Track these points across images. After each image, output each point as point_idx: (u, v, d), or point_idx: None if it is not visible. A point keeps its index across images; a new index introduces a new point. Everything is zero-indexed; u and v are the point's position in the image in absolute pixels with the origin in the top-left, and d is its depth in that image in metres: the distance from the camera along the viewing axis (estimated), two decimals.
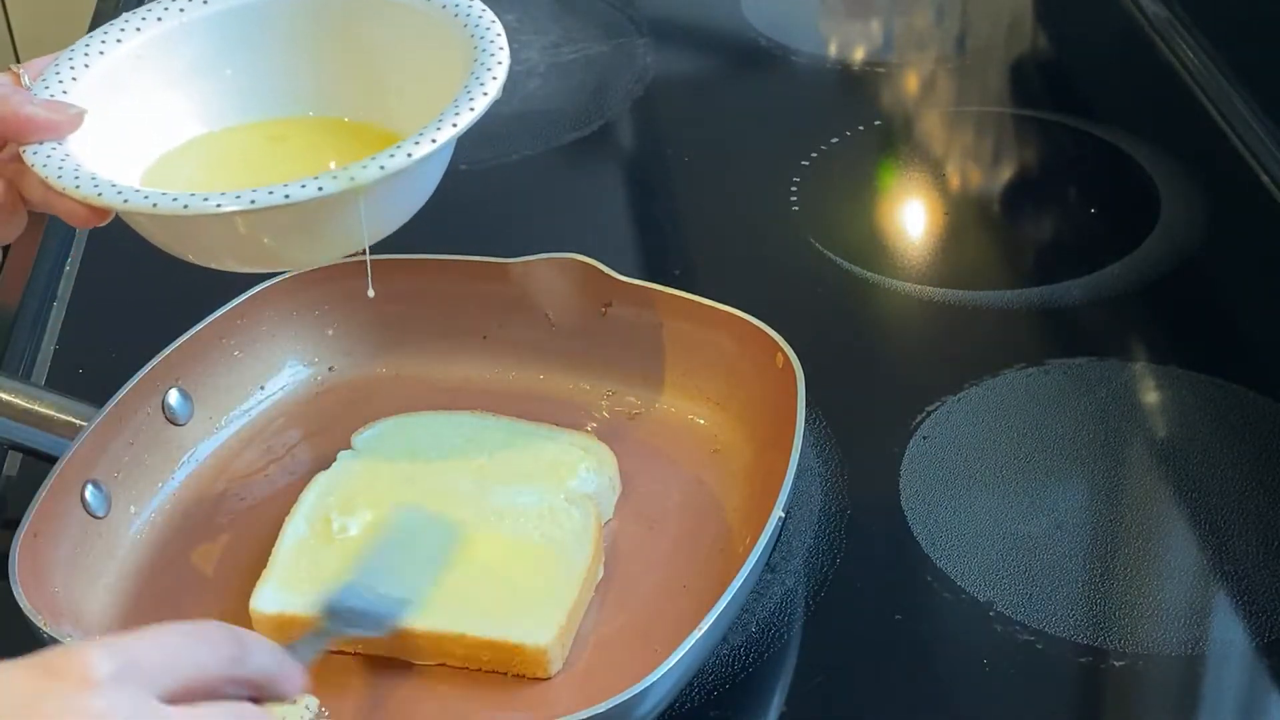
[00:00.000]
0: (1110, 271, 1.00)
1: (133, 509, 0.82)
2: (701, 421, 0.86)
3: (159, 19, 0.76)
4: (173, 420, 0.85)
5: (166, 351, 0.85)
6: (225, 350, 0.88)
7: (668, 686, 0.68)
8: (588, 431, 0.85)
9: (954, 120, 1.21)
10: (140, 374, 0.83)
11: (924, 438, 0.87)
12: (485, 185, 1.11)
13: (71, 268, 1.04)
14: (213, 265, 0.72)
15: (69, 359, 0.96)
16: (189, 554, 0.81)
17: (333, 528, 0.78)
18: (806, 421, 0.79)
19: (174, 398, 0.85)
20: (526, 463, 0.81)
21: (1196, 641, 0.76)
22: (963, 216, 1.09)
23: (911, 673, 0.76)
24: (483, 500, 0.79)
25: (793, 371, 0.81)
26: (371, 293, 0.73)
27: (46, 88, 0.72)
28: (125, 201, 0.67)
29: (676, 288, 0.87)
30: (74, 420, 0.81)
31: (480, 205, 1.09)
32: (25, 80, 0.73)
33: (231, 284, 0.89)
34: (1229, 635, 0.77)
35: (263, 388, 0.89)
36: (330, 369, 0.91)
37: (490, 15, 0.74)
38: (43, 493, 0.76)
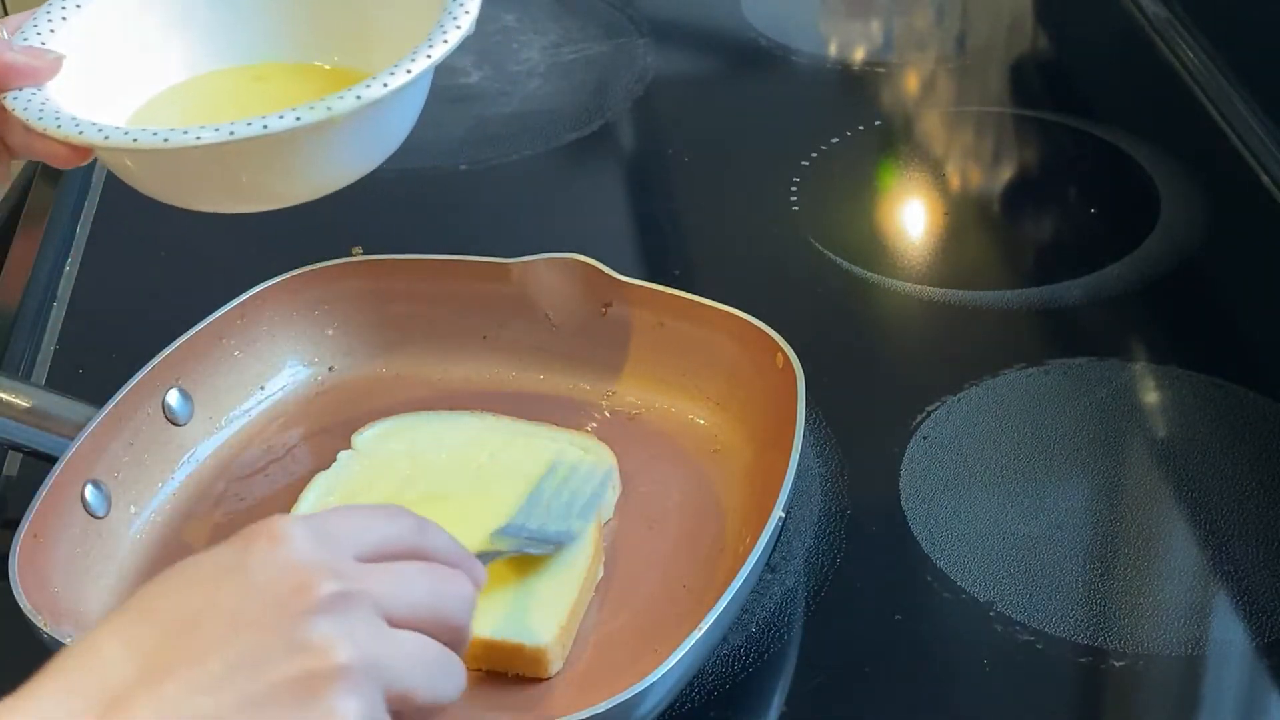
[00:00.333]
0: (1110, 271, 1.00)
1: (133, 509, 0.82)
2: (701, 421, 0.86)
3: None
4: (173, 420, 0.85)
5: (166, 351, 0.85)
6: (225, 350, 0.88)
7: (668, 686, 0.67)
8: (588, 431, 0.85)
9: (954, 120, 1.21)
10: (140, 374, 0.83)
11: (924, 438, 0.87)
12: (485, 185, 1.11)
13: (71, 268, 1.04)
14: (198, 206, 0.73)
15: (69, 359, 0.96)
16: (189, 554, 0.80)
17: None
18: (806, 421, 0.79)
19: (174, 398, 0.85)
20: (526, 463, 0.81)
21: (1196, 641, 0.76)
22: (963, 216, 1.09)
23: (911, 673, 0.76)
24: (483, 500, 0.79)
25: (793, 371, 0.81)
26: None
27: (25, 39, 0.73)
28: (105, 138, 0.68)
29: (676, 288, 0.87)
30: (74, 420, 0.81)
31: (480, 205, 1.09)
32: (4, 33, 0.74)
33: (231, 284, 0.89)
34: (1229, 635, 0.77)
35: (263, 388, 0.89)
36: (330, 369, 0.91)
37: None
38: (43, 493, 0.76)
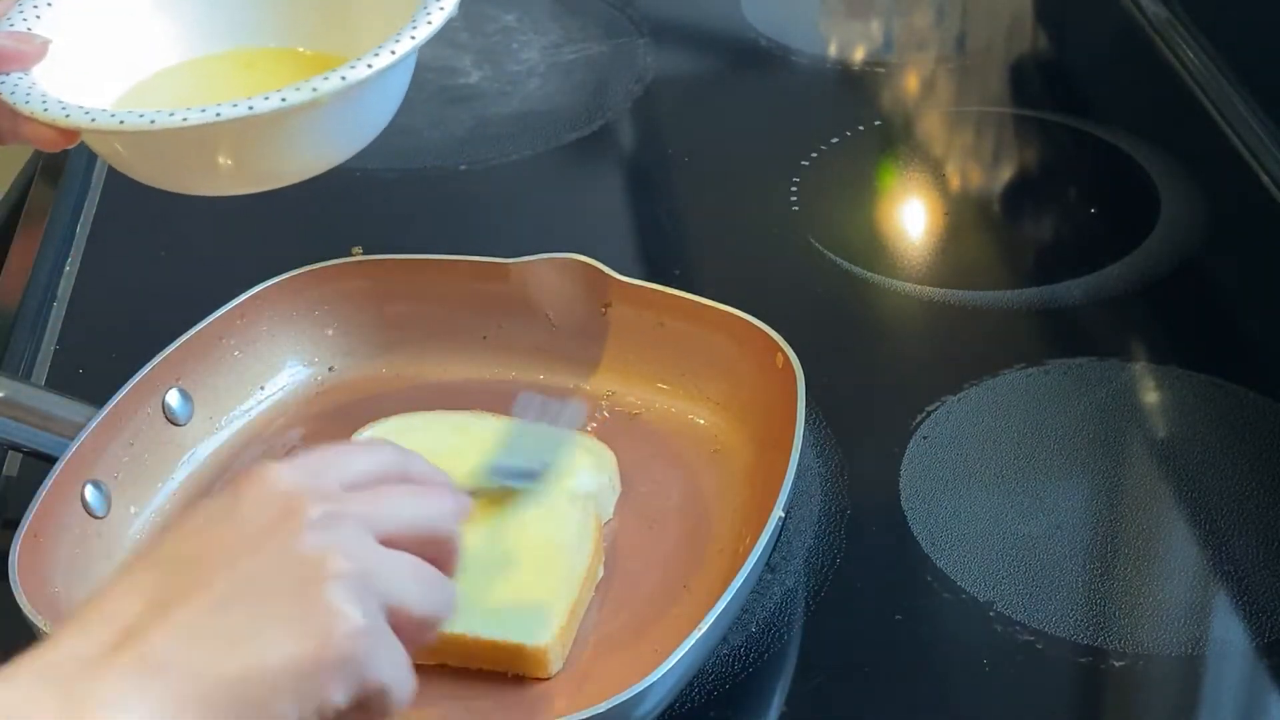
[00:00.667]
0: (1110, 271, 1.00)
1: (133, 509, 0.82)
2: (701, 421, 0.86)
3: None
4: (173, 420, 0.85)
5: (166, 351, 0.85)
6: (225, 350, 0.88)
7: (668, 686, 0.67)
8: (588, 431, 0.85)
9: (954, 120, 1.21)
10: (140, 374, 0.83)
11: (924, 438, 0.87)
12: (485, 185, 1.10)
13: (71, 268, 1.04)
14: (188, 190, 0.73)
15: (69, 359, 0.96)
16: None
17: None
18: (806, 421, 0.79)
19: (174, 398, 0.85)
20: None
21: (1196, 641, 0.76)
22: (963, 216, 1.09)
23: (911, 673, 0.76)
24: (482, 501, 0.79)
25: (793, 371, 0.81)
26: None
27: (10, 25, 0.73)
28: (92, 120, 0.69)
29: (676, 288, 0.87)
30: (74, 420, 0.81)
31: (480, 205, 1.09)
32: None
33: (231, 284, 0.89)
34: (1229, 635, 0.77)
35: (263, 388, 0.89)
36: (330, 369, 0.91)
37: None
38: (43, 493, 0.76)
